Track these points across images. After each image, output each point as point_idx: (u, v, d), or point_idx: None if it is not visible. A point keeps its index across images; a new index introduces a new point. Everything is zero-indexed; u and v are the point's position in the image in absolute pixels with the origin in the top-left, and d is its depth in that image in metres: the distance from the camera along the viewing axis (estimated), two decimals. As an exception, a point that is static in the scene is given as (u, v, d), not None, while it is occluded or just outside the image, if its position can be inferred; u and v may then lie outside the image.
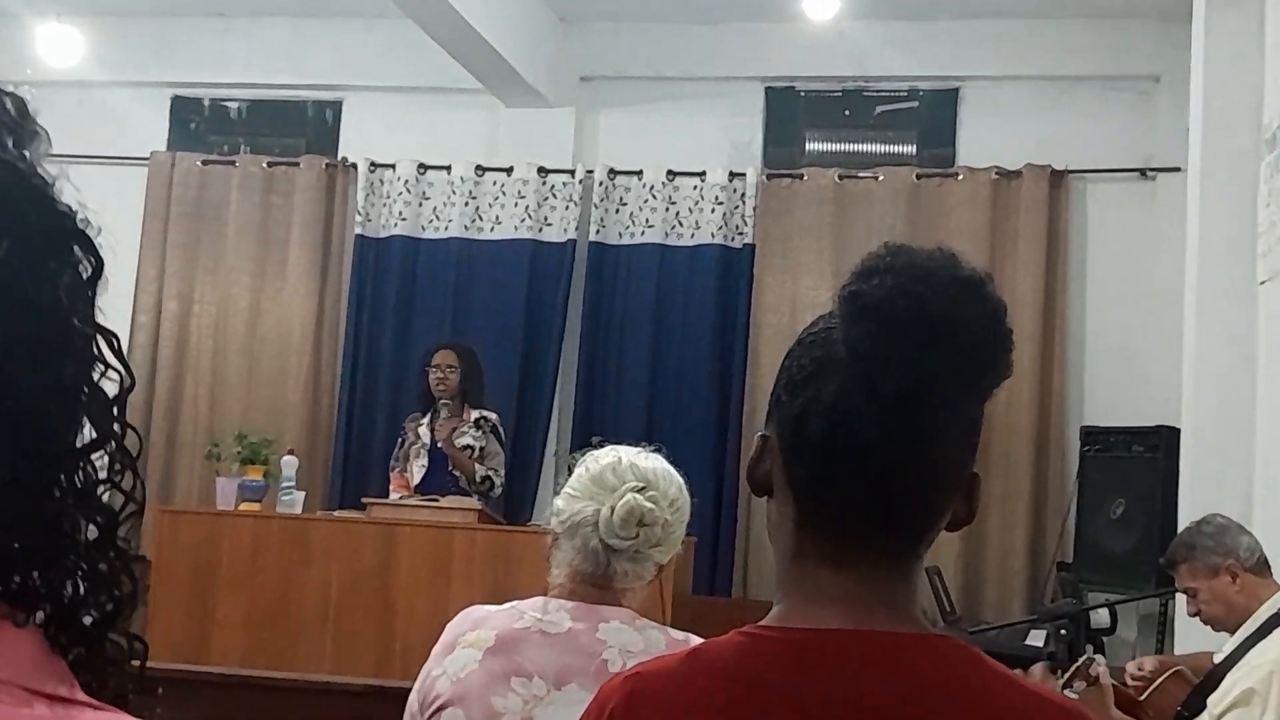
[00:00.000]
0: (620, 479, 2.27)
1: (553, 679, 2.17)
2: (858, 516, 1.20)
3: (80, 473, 0.78)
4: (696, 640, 2.15)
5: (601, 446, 2.39)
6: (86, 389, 0.79)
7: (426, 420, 6.54)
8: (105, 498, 0.81)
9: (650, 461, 2.33)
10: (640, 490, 2.25)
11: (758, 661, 1.18)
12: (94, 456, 0.79)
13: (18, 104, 0.79)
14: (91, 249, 0.79)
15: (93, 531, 0.79)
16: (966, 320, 1.14)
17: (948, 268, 1.17)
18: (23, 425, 0.75)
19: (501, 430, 6.53)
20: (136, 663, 0.83)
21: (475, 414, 6.48)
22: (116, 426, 0.80)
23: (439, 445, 6.44)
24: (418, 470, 6.46)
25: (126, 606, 0.81)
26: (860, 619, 1.18)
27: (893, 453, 1.17)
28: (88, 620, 0.79)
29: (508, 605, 2.28)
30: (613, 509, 2.23)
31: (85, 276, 0.79)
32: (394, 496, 6.34)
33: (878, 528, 1.20)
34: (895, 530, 1.21)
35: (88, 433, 0.79)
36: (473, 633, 2.24)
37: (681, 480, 2.35)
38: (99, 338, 0.80)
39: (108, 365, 0.80)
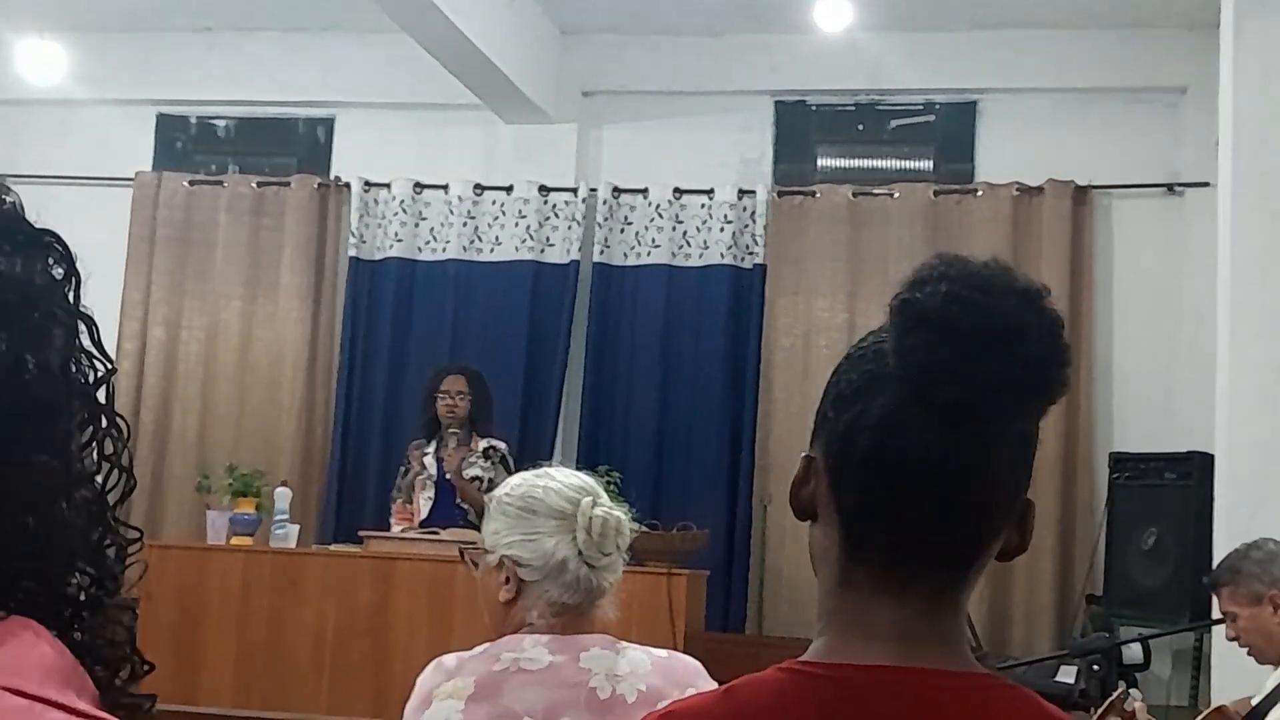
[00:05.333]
0: (569, 501, 2.23)
1: (542, 716, 2.13)
2: (909, 542, 1.15)
3: (75, 455, 0.81)
4: (681, 657, 2.27)
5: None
6: (74, 368, 0.81)
7: (432, 449, 6.30)
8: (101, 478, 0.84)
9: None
10: (594, 502, 2.24)
11: (800, 702, 1.13)
12: (85, 437, 0.82)
13: None
14: (62, 255, 0.83)
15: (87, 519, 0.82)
16: (1026, 331, 1.11)
17: (1005, 278, 1.14)
18: (19, 410, 0.77)
19: (511, 460, 6.28)
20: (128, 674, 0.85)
21: (484, 443, 6.29)
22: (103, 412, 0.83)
23: (446, 476, 6.18)
24: (424, 502, 6.25)
25: (114, 583, 0.84)
26: (912, 655, 1.14)
27: (948, 469, 1.12)
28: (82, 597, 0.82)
29: (479, 649, 2.23)
30: (589, 531, 2.20)
31: (60, 274, 0.82)
32: (395, 529, 6.18)
33: (930, 555, 1.16)
34: (948, 557, 1.16)
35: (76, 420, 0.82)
36: (449, 683, 2.18)
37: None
38: (81, 325, 0.82)
39: (87, 353, 0.83)
